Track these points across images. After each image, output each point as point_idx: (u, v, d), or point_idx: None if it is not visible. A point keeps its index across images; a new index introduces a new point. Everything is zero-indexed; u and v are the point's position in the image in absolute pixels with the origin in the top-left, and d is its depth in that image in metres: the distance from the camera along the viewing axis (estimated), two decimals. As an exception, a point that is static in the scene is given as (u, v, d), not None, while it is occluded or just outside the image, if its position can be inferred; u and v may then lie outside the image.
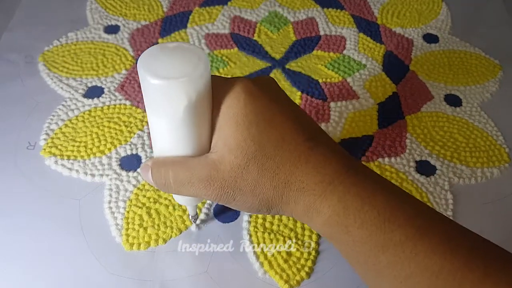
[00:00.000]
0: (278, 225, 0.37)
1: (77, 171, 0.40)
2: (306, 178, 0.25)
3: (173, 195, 0.33)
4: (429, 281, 0.23)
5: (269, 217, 0.37)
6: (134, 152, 0.42)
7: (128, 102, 0.46)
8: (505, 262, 0.24)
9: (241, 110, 0.26)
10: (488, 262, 0.23)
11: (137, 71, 0.49)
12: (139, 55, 0.50)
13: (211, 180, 0.26)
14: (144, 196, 0.38)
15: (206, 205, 0.38)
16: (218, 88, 0.27)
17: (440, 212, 0.26)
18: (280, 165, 0.26)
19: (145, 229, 0.36)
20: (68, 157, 0.41)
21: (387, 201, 0.25)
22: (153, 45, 0.53)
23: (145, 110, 0.45)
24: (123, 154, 0.41)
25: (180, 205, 0.38)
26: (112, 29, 0.54)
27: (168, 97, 0.25)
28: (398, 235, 0.24)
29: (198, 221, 0.36)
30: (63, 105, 0.45)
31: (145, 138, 0.43)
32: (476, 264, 0.23)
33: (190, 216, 0.35)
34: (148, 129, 0.43)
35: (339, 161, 0.26)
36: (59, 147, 0.41)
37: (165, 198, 0.38)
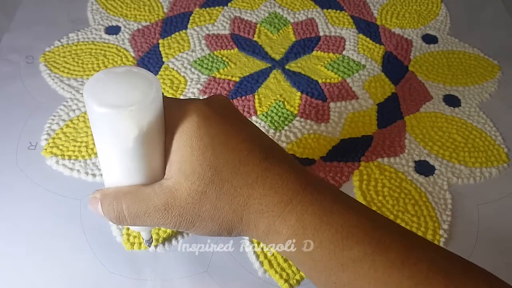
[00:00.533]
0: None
1: (78, 171, 0.40)
2: (264, 200, 0.25)
3: None
4: None
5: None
6: (134, 152, 0.42)
7: (128, 103, 0.46)
8: (467, 273, 0.23)
9: (195, 133, 0.25)
10: (449, 276, 0.22)
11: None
12: (140, 56, 0.51)
13: (168, 208, 0.26)
14: (145, 196, 0.39)
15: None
16: (170, 111, 0.26)
17: (400, 224, 0.26)
18: (238, 188, 0.25)
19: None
20: (69, 157, 0.41)
21: (344, 217, 0.24)
22: (153, 45, 0.53)
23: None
24: (123, 154, 0.42)
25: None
26: (113, 30, 0.54)
27: (116, 126, 0.23)
28: (357, 252, 0.23)
29: (152, 244, 0.34)
30: (64, 105, 0.45)
31: (146, 138, 0.43)
32: (437, 279, 0.22)
33: (144, 241, 0.33)
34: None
35: (296, 180, 0.26)
36: (60, 147, 0.42)
37: (166, 198, 0.38)
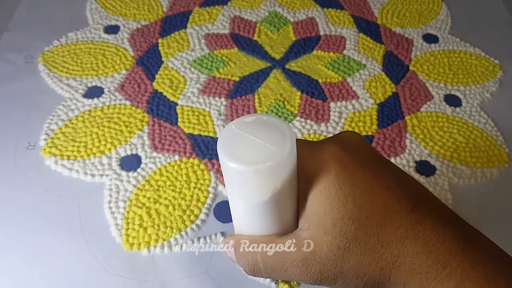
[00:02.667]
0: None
1: (77, 171, 0.40)
2: (417, 259, 0.23)
3: None
4: None
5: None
6: (134, 152, 0.42)
7: (128, 102, 0.46)
8: None
9: (333, 183, 0.23)
10: None
11: (137, 72, 0.49)
12: (139, 55, 0.51)
13: (307, 264, 0.24)
14: (144, 196, 0.38)
15: (206, 205, 0.38)
16: (303, 159, 0.24)
17: None
18: (385, 244, 0.23)
19: (145, 229, 0.36)
20: (68, 157, 0.41)
21: None
22: (152, 45, 0.53)
23: (145, 111, 0.45)
24: (123, 154, 0.41)
25: (180, 205, 0.38)
26: (112, 29, 0.54)
27: (253, 182, 0.22)
28: None
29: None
30: (63, 105, 0.45)
31: (145, 138, 0.43)
32: None
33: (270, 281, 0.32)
34: (149, 129, 0.43)
35: (453, 236, 0.23)
36: (59, 147, 0.41)
37: (165, 198, 0.38)
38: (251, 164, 0.21)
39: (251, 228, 0.26)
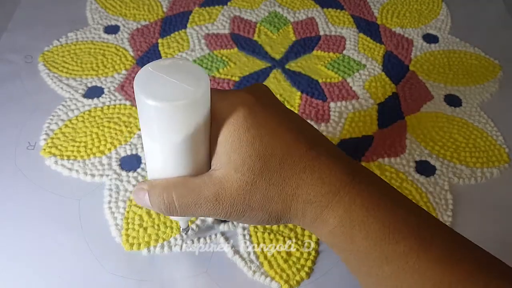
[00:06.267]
0: (278, 225, 0.37)
1: (77, 171, 0.40)
2: (312, 190, 0.26)
3: None
4: None
5: (269, 217, 0.37)
6: (134, 152, 0.42)
7: (128, 102, 0.46)
8: (508, 277, 0.24)
9: (242, 124, 0.25)
10: (490, 276, 0.23)
11: (136, 72, 0.49)
12: (139, 56, 0.51)
13: (219, 199, 0.26)
14: (144, 196, 0.38)
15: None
16: (215, 102, 0.26)
17: (444, 223, 0.27)
18: (286, 179, 0.26)
19: (145, 229, 0.36)
20: (68, 157, 0.41)
21: (392, 212, 0.25)
22: (152, 45, 0.53)
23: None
24: (123, 154, 0.41)
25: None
26: (112, 29, 0.54)
27: (169, 120, 0.23)
28: (402, 247, 0.24)
29: (188, 233, 0.36)
30: (63, 105, 0.45)
31: (145, 138, 0.43)
32: (478, 277, 0.23)
33: (181, 229, 0.34)
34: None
35: (343, 170, 0.26)
36: (59, 147, 0.41)
37: (165, 198, 0.38)
38: (168, 100, 0.22)
39: (165, 172, 0.27)
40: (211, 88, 0.26)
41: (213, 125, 0.26)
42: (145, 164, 0.41)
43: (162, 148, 0.25)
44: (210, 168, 0.27)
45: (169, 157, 0.26)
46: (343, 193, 0.25)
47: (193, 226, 0.37)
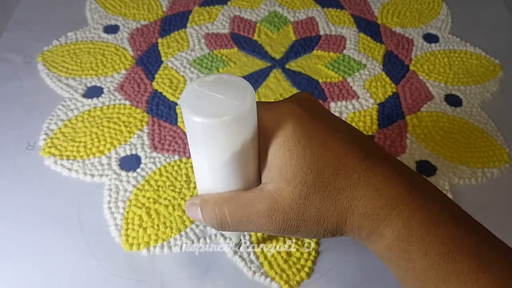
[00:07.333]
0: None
1: (76, 171, 0.40)
2: (368, 203, 0.24)
3: None
4: None
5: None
6: (133, 152, 0.42)
7: (127, 102, 0.46)
8: None
9: (291, 136, 0.25)
10: None
11: (136, 71, 0.49)
12: (139, 55, 0.51)
13: (271, 214, 0.25)
14: (144, 196, 0.38)
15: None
16: (262, 115, 0.25)
17: (502, 241, 0.26)
18: (341, 190, 0.25)
19: (145, 229, 0.36)
20: (68, 157, 0.41)
21: (451, 229, 0.24)
22: (152, 45, 0.53)
23: (145, 111, 0.45)
24: (122, 154, 0.41)
25: (179, 205, 0.38)
26: (111, 29, 0.54)
27: (216, 136, 0.23)
28: (461, 267, 0.23)
29: (240, 248, 0.35)
30: (62, 105, 0.45)
31: (145, 138, 0.43)
32: None
33: (233, 244, 0.34)
34: (149, 129, 0.43)
35: (400, 180, 0.25)
36: (59, 147, 0.41)
37: (165, 198, 0.38)
38: (216, 117, 0.22)
39: (215, 186, 0.27)
40: (257, 101, 0.25)
41: (261, 138, 0.25)
42: (145, 164, 0.41)
43: (210, 166, 0.25)
44: (260, 182, 0.27)
45: (218, 174, 0.25)
46: (401, 206, 0.24)
47: (193, 226, 0.36)
